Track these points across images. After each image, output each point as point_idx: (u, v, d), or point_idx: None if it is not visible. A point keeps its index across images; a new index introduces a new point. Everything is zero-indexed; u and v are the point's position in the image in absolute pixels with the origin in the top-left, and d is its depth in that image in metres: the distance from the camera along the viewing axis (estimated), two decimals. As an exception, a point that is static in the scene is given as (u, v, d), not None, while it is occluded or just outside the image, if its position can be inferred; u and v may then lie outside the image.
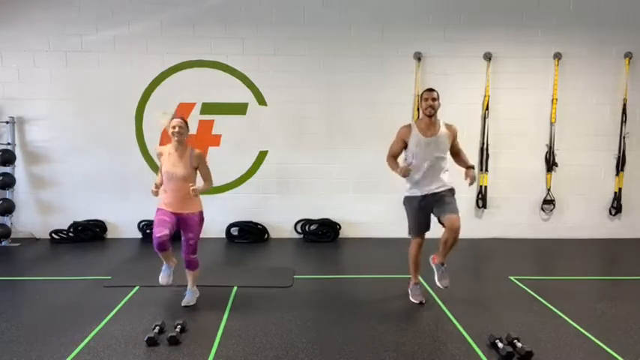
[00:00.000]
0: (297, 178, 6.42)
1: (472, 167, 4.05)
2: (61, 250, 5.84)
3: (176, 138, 3.82)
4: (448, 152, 4.02)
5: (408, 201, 4.08)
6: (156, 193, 3.95)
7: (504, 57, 6.29)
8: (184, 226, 3.92)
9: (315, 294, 4.37)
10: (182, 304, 4.00)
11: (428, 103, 3.89)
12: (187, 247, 3.96)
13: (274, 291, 4.41)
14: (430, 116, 3.91)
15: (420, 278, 4.31)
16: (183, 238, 3.97)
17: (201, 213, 3.99)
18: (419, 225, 4.05)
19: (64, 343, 3.34)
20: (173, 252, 3.97)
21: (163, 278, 4.04)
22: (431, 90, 3.95)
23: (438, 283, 4.02)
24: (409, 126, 4.02)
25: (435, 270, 4.07)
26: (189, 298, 4.08)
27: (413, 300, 4.18)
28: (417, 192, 3.97)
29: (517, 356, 3.17)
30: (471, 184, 3.97)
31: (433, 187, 3.93)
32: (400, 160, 4.14)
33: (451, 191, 3.98)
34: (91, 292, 4.36)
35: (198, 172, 3.96)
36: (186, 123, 3.90)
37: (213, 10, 6.12)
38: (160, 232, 3.75)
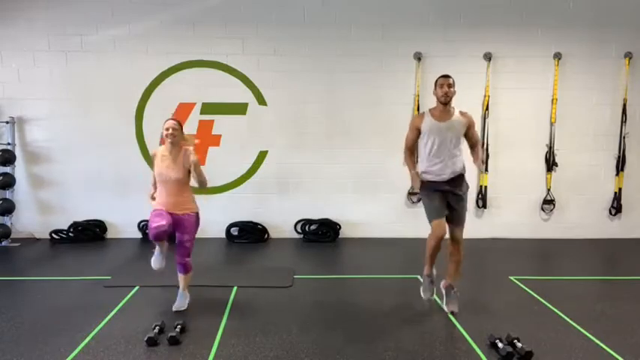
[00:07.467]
0: (297, 178, 6.42)
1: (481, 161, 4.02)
2: (61, 250, 5.84)
3: (170, 140, 3.78)
4: (462, 139, 3.90)
5: (423, 186, 3.93)
6: (153, 198, 3.92)
7: (504, 57, 6.29)
8: (179, 227, 3.84)
9: (315, 294, 4.37)
10: (173, 309, 3.90)
11: (443, 90, 3.77)
12: (182, 249, 3.87)
13: (274, 291, 4.41)
14: (445, 104, 3.81)
15: (433, 271, 4.08)
16: (177, 240, 3.87)
17: (197, 215, 3.92)
18: (435, 207, 3.84)
19: (64, 343, 3.34)
20: (168, 246, 3.88)
21: (156, 263, 3.85)
22: (446, 76, 3.81)
23: (444, 307, 3.96)
24: (422, 113, 3.95)
25: (444, 294, 4.01)
26: (181, 302, 3.98)
27: (421, 294, 4.09)
28: (432, 177, 3.86)
29: (517, 356, 3.17)
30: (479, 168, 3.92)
31: (448, 173, 3.82)
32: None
33: (465, 185, 3.89)
34: (91, 292, 4.36)
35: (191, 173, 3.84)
36: (180, 126, 3.86)
37: (213, 10, 6.11)
38: (157, 222, 3.65)
